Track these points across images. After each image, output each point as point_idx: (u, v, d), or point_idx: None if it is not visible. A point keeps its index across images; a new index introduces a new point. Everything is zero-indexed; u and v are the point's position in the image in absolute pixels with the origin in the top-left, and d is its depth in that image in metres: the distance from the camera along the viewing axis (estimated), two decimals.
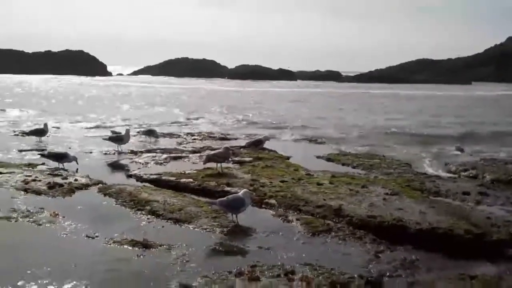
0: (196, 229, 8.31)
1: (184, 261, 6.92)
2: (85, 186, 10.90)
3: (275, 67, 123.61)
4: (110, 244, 7.47)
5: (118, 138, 15.52)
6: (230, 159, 13.01)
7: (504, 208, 9.90)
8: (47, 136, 17.78)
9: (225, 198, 8.69)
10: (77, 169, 12.58)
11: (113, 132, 17.58)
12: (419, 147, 18.38)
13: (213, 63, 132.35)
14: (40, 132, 17.23)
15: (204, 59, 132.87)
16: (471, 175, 13.37)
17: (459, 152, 17.09)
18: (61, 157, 12.70)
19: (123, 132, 15.97)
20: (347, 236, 8.19)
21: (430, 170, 14.08)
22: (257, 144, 15.14)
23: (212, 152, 13.14)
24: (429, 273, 6.93)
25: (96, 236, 7.78)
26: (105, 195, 10.26)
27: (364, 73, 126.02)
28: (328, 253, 7.49)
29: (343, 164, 14.42)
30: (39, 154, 13.32)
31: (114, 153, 15.04)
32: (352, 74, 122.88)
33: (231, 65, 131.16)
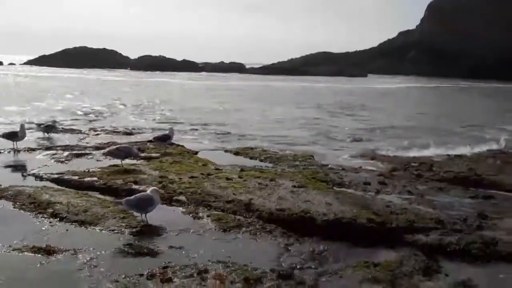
0: (103, 231, 7.98)
1: (92, 266, 6.63)
2: None
3: (179, 58, 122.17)
4: (8, 252, 6.96)
5: (12, 135, 14.41)
6: (137, 155, 12.61)
7: (401, 196, 10.55)
8: None
9: (132, 197, 8.41)
10: None
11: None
12: (323, 138, 19.06)
13: (114, 53, 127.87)
14: None
15: (104, 49, 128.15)
16: (370, 165, 14.10)
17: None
18: None
19: (18, 128, 14.87)
20: (257, 230, 8.28)
21: (333, 161, 14.64)
22: (164, 139, 14.82)
23: (114, 146, 12.68)
24: (336, 262, 7.20)
25: None
26: (0, 198, 9.53)
27: (267, 65, 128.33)
28: (240, 249, 7.54)
29: (251, 158, 14.58)
30: None
31: (9, 152, 14.01)
32: (256, 66, 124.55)
33: (133, 55, 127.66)
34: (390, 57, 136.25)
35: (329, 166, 13.62)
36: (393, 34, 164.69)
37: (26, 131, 14.98)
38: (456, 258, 7.48)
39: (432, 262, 7.22)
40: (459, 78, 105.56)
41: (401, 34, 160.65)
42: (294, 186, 10.50)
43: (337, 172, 12.59)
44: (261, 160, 14.23)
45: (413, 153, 16.06)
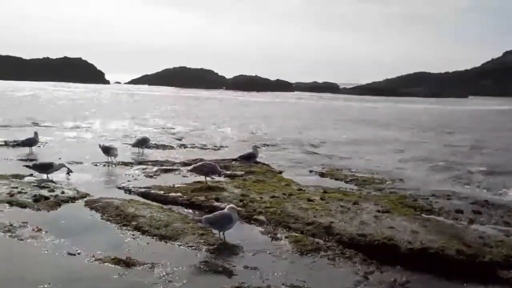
0: (181, 247, 8.10)
1: (167, 281, 6.72)
2: (72, 199, 10.67)
3: (272, 77, 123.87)
4: (91, 262, 7.25)
5: (106, 150, 15.18)
6: (221, 173, 12.78)
7: (497, 228, 9.72)
8: (38, 146, 17.55)
9: (211, 215, 8.47)
10: (69, 171, 12.64)
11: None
12: (413, 162, 18.20)
13: (210, 73, 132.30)
14: (30, 142, 16.94)
15: (202, 69, 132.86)
16: (463, 192, 13.18)
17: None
18: (46, 168, 12.43)
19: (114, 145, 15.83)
20: (336, 255, 7.99)
21: (423, 187, 13.88)
22: (249, 158, 14.90)
23: (200, 163, 12.95)
24: None
25: (78, 253, 7.57)
26: (91, 209, 10.03)
27: (361, 85, 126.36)
28: (316, 274, 7.29)
29: (336, 179, 14.23)
30: (24, 165, 12.97)
31: (104, 165, 14.80)
32: (349, 86, 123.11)
33: (228, 75, 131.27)
34: (494, 78, 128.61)
35: (418, 191, 12.92)
36: (498, 54, 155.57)
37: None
38: None
39: None
40: None
41: (507, 53, 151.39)
42: (378, 211, 10.05)
43: (426, 198, 11.90)
44: (346, 182, 13.83)
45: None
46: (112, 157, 15.04)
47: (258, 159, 15.62)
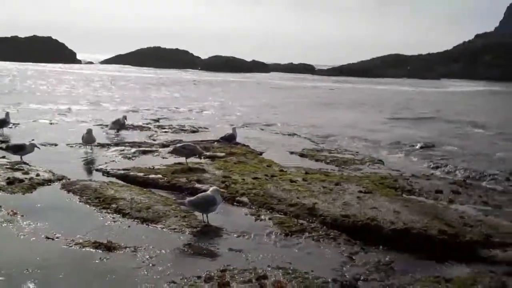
0: (164, 229, 7.93)
1: (150, 264, 6.56)
2: (48, 182, 10.35)
3: (248, 58, 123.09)
4: (71, 246, 7.02)
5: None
6: (201, 154, 12.58)
7: (477, 207, 9.83)
8: (10, 127, 17.03)
9: (194, 197, 8.30)
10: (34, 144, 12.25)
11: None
12: (392, 143, 18.31)
13: (185, 53, 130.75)
14: (1, 123, 16.34)
15: (177, 49, 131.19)
16: (443, 172, 13.35)
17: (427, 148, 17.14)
18: (19, 149, 12.02)
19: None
20: (321, 236, 7.94)
21: (403, 167, 13.98)
22: (230, 139, 14.76)
23: (180, 144, 12.73)
24: (404, 275, 6.74)
25: (57, 237, 7.32)
26: (68, 191, 9.74)
27: (337, 66, 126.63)
28: (302, 255, 7.23)
29: (316, 160, 14.20)
30: None
31: (80, 147, 14.42)
32: (325, 68, 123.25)
33: (204, 55, 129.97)
34: (466, 61, 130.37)
35: (398, 171, 12.99)
36: (469, 37, 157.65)
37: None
38: None
39: (510, 280, 6.59)
40: None
41: (478, 36, 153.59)
42: (361, 192, 10.05)
43: (407, 178, 11.96)
44: (327, 163, 13.82)
45: (489, 160, 15.07)
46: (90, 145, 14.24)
47: (238, 140, 15.50)
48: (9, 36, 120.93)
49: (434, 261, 7.31)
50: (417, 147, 17.38)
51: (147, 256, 6.80)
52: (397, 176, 12.28)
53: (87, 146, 14.06)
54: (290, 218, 8.63)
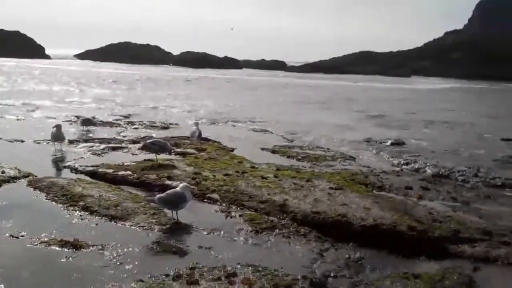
0: (132, 227, 7.80)
1: (118, 263, 6.43)
2: (13, 179, 10.06)
3: (220, 55, 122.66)
4: (36, 245, 6.84)
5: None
6: (171, 150, 12.41)
7: (445, 203, 9.97)
8: None
9: (164, 194, 8.18)
10: None
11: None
12: (362, 140, 18.46)
13: (157, 48, 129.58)
14: None
15: (148, 45, 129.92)
16: (412, 169, 13.51)
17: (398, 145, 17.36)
18: None
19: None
20: (291, 233, 7.92)
21: (373, 164, 14.10)
22: (199, 135, 14.70)
23: (150, 140, 12.56)
24: (373, 272, 6.78)
25: (22, 236, 7.12)
26: (34, 189, 9.49)
27: (309, 63, 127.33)
28: (272, 253, 7.20)
29: (288, 157, 14.20)
30: None
31: (47, 143, 14.08)
32: (297, 65, 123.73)
33: (176, 51, 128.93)
34: (436, 58, 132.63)
35: (369, 168, 13.10)
36: (439, 34, 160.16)
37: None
38: (504, 273, 6.91)
39: (477, 276, 6.70)
40: (509, 80, 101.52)
41: (447, 34, 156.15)
42: (331, 188, 10.08)
43: (377, 174, 12.06)
44: (298, 160, 13.82)
45: (458, 157, 15.33)
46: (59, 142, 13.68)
47: (209, 136, 15.42)
48: None
49: (404, 257, 7.36)
50: (387, 144, 17.55)
51: (115, 254, 6.67)
52: (368, 172, 12.39)
53: (55, 143, 13.66)
54: (260, 215, 8.59)
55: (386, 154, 15.54)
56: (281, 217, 8.55)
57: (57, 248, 6.77)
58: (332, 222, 8.26)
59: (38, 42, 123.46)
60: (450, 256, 7.42)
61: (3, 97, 27.27)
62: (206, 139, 15.34)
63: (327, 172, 12.10)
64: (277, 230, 7.99)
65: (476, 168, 13.43)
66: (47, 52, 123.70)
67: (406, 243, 7.73)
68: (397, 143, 17.68)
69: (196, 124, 15.41)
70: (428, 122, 25.77)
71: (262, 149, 15.25)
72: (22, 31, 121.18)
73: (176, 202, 8.04)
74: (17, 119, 19.08)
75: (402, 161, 14.22)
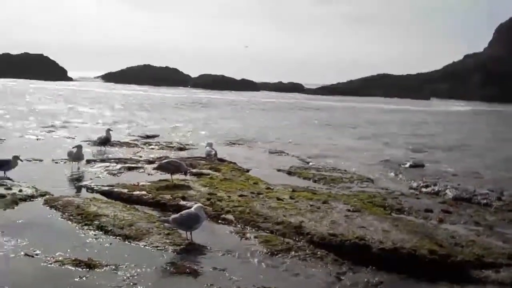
0: (146, 247, 7.71)
1: (131, 283, 6.34)
2: (30, 198, 10.09)
3: (237, 77, 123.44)
4: (50, 264, 6.78)
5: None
6: (187, 171, 12.36)
7: (468, 227, 9.69)
8: None
9: (178, 215, 8.09)
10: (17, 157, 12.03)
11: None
12: (381, 162, 18.23)
13: (176, 71, 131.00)
14: None
15: (167, 67, 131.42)
16: (432, 191, 13.22)
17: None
18: (2, 165, 11.77)
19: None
20: (307, 256, 7.75)
21: (392, 186, 13.86)
22: (215, 155, 14.69)
23: (165, 160, 12.54)
24: None
25: (36, 254, 7.08)
26: (50, 207, 9.50)
27: (326, 85, 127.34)
28: (287, 276, 7.04)
29: (304, 178, 14.04)
30: None
31: (65, 162, 14.16)
32: (314, 87, 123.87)
33: (194, 74, 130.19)
34: (456, 81, 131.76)
35: (387, 190, 12.87)
36: (458, 57, 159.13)
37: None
38: None
39: None
40: None
41: (467, 57, 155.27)
42: (349, 210, 9.88)
43: (396, 197, 11.84)
44: (315, 181, 13.66)
45: (480, 180, 15.00)
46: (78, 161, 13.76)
47: (224, 157, 15.39)
48: (0, 53, 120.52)
49: (424, 282, 7.19)
50: (406, 165, 17.30)
51: (128, 275, 6.57)
52: (386, 194, 12.16)
53: (74, 163, 13.70)
54: (276, 237, 8.44)
55: (404, 176, 15.26)
56: (297, 239, 8.39)
57: (71, 268, 6.70)
58: (350, 244, 8.07)
59: (61, 64, 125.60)
60: (473, 281, 7.21)
61: (23, 118, 27.67)
62: (222, 160, 15.29)
63: (344, 194, 11.91)
64: (293, 252, 7.83)
65: (499, 191, 13.10)
66: (69, 74, 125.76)
67: (426, 267, 7.51)
68: (416, 165, 17.41)
69: (210, 144, 15.43)
70: (449, 144, 25.44)
71: (278, 170, 15.12)
72: (45, 54, 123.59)
73: (190, 223, 7.95)
74: (37, 139, 19.29)
75: (422, 184, 13.91)
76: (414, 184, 14.01)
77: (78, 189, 11.35)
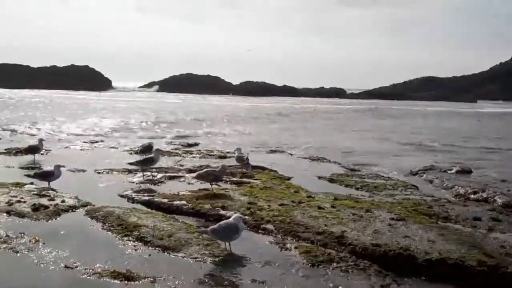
0: (185, 258, 7.64)
1: None
2: (72, 208, 10.25)
3: (278, 83, 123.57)
4: (89, 276, 6.81)
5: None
6: (228, 178, 12.31)
7: None
8: (42, 154, 17.21)
9: (217, 225, 7.99)
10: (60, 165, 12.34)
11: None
12: (426, 168, 17.65)
13: (217, 79, 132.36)
14: (33, 150, 16.53)
15: (208, 75, 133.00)
16: (481, 198, 12.66)
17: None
18: (47, 176, 12.06)
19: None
20: (349, 267, 7.50)
21: (437, 193, 13.37)
22: (247, 160, 14.71)
23: (204, 170, 12.54)
24: None
25: (76, 266, 7.12)
26: (92, 218, 9.60)
27: (368, 90, 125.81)
28: (328, 287, 6.82)
29: (346, 186, 13.73)
30: (25, 174, 12.59)
31: (108, 172, 14.37)
32: (356, 91, 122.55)
33: (235, 81, 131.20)
34: (504, 82, 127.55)
35: (433, 197, 12.41)
36: (506, 58, 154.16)
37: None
38: None
39: None
40: None
41: None
42: (393, 219, 9.57)
43: (442, 204, 11.39)
44: (357, 189, 13.33)
45: None
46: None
47: (264, 165, 15.33)
48: (48, 65, 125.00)
49: None
50: (452, 171, 16.67)
51: (166, 287, 6.51)
52: (432, 202, 11.72)
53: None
54: (317, 247, 8.23)
55: (451, 182, 14.67)
56: (338, 250, 8.16)
57: (109, 280, 6.70)
58: (394, 255, 7.79)
59: (106, 75, 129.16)
60: None
61: (70, 129, 28.38)
62: (263, 168, 15.18)
63: (387, 201, 11.55)
64: (334, 264, 7.60)
65: None
66: (113, 84, 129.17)
67: (475, 279, 7.17)
68: (463, 171, 16.75)
69: (239, 150, 15.42)
70: (498, 148, 24.46)
71: (319, 177, 14.86)
72: (90, 65, 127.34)
73: (229, 233, 7.85)
74: (81, 149, 19.69)
75: (469, 190, 13.33)
76: (461, 191, 13.45)
77: (119, 199, 11.45)
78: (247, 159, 14.92)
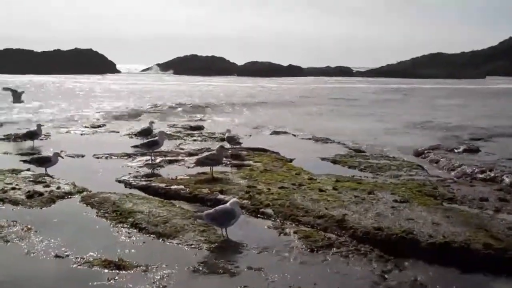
0: (180, 245, 7.41)
1: (161, 286, 6.05)
2: (68, 195, 10.03)
3: (284, 63, 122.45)
4: (79, 266, 6.59)
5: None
6: (228, 161, 12.02)
7: None
8: (41, 139, 17.00)
9: (212, 210, 7.74)
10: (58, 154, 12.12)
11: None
12: (430, 147, 17.28)
13: (222, 60, 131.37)
14: (31, 135, 16.31)
15: (213, 56, 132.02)
16: (488, 177, 12.30)
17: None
18: (43, 162, 11.83)
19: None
20: (350, 252, 7.25)
21: (443, 173, 13.03)
22: (235, 142, 14.50)
23: (203, 154, 12.25)
24: None
25: (66, 255, 6.90)
26: (87, 205, 9.38)
27: (375, 68, 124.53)
28: (328, 274, 6.57)
29: (349, 167, 13.40)
30: (21, 160, 12.37)
31: (106, 158, 14.13)
32: (362, 70, 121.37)
33: (240, 61, 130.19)
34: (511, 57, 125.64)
35: (438, 177, 12.08)
36: None
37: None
38: None
39: None
40: None
41: None
42: (396, 201, 9.28)
43: (447, 185, 11.07)
44: (361, 170, 12.99)
45: None
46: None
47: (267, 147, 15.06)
48: (52, 50, 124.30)
49: (479, 279, 6.59)
50: (460, 150, 16.29)
51: (158, 276, 6.30)
52: (437, 182, 11.40)
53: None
54: (317, 232, 7.98)
55: (457, 162, 14.28)
56: (339, 234, 7.90)
57: (100, 269, 6.48)
58: (396, 239, 7.52)
59: (110, 58, 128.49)
60: None
61: (71, 112, 28.13)
62: (264, 150, 14.88)
63: (391, 183, 11.24)
64: (334, 249, 7.35)
65: None
66: (118, 67, 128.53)
67: (481, 263, 6.90)
68: (470, 149, 16.35)
69: (229, 131, 15.29)
70: (508, 126, 23.96)
71: (322, 159, 14.52)
72: (94, 49, 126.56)
73: (225, 218, 7.60)
74: (81, 134, 19.45)
75: (476, 170, 12.95)
76: (468, 170, 13.08)
77: (117, 184, 11.21)
78: (235, 138, 14.67)
